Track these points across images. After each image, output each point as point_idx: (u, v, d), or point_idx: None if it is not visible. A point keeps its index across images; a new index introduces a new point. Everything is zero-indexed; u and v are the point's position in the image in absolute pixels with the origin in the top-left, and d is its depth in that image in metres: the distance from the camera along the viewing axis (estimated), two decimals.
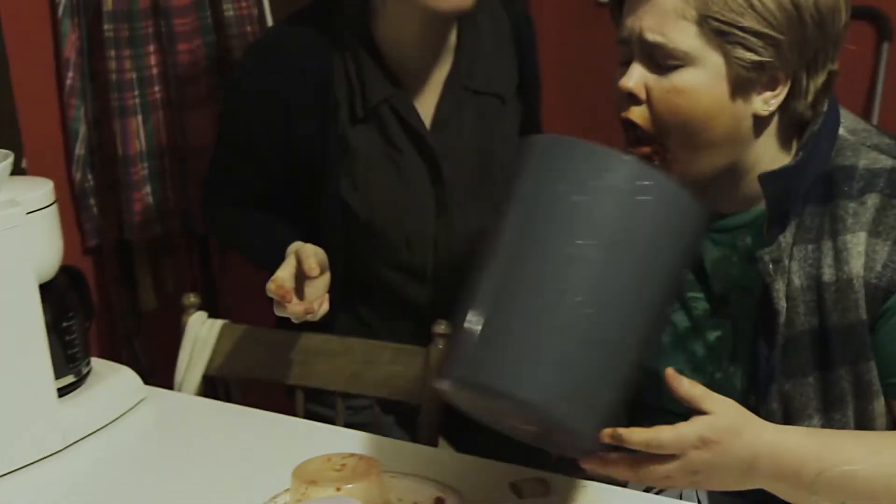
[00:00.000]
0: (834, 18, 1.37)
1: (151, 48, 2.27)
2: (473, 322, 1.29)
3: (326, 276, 1.75)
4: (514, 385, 1.23)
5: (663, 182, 1.27)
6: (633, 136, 1.43)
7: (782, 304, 1.40)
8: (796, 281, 1.41)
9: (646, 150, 1.42)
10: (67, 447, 1.70)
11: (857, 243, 1.38)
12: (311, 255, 1.71)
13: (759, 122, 1.42)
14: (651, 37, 1.37)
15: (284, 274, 1.69)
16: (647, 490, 1.43)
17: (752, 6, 1.33)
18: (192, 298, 2.02)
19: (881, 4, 3.26)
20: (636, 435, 1.24)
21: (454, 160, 1.96)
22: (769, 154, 1.45)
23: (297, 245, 1.76)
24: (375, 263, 2.01)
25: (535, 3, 3.64)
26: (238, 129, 1.97)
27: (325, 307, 1.74)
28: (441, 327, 1.85)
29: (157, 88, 2.29)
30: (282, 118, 1.90)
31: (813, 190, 1.41)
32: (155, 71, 2.28)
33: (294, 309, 1.68)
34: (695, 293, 1.52)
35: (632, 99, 1.40)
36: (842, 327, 1.39)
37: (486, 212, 1.90)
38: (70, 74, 2.23)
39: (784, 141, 1.46)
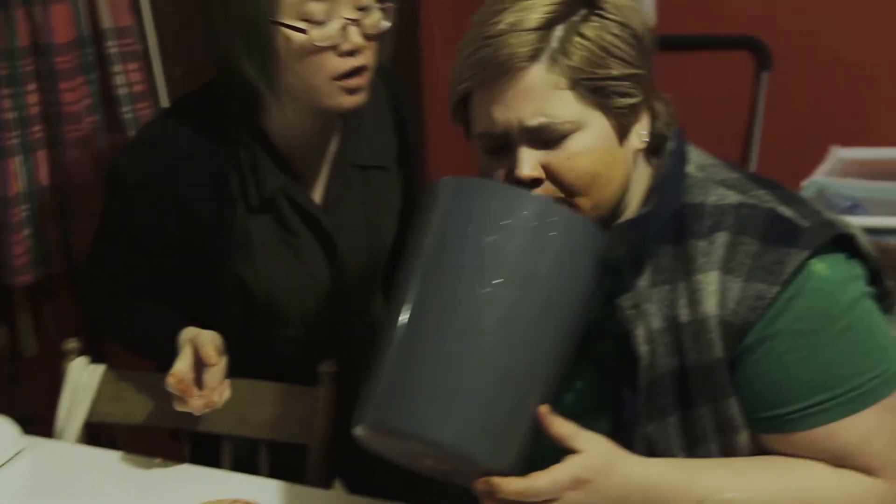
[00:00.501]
0: (652, 34, 1.41)
1: (32, 86, 2.22)
2: (385, 367, 1.30)
3: (224, 362, 1.73)
4: (426, 427, 1.24)
5: (571, 216, 1.31)
6: None
7: (643, 349, 1.39)
8: (655, 323, 1.40)
9: None
10: None
11: (709, 282, 1.38)
12: (209, 342, 1.69)
13: (635, 157, 1.44)
14: (534, 121, 1.34)
15: (183, 367, 1.67)
16: None
17: (611, 54, 1.34)
18: (72, 343, 1.97)
19: (760, 34, 3.32)
20: (512, 485, 1.25)
21: (347, 237, 1.96)
22: (639, 188, 1.47)
23: (191, 333, 1.73)
24: (275, 343, 2.00)
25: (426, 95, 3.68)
26: (126, 222, 1.90)
27: (227, 394, 1.72)
28: (327, 366, 1.84)
29: (37, 128, 2.24)
30: (175, 212, 1.84)
31: (665, 230, 1.41)
32: (35, 110, 2.23)
33: (195, 403, 1.66)
34: None
35: (534, 182, 1.37)
36: (700, 366, 1.38)
37: (378, 285, 2.03)
38: None
39: (643, 173, 1.47)
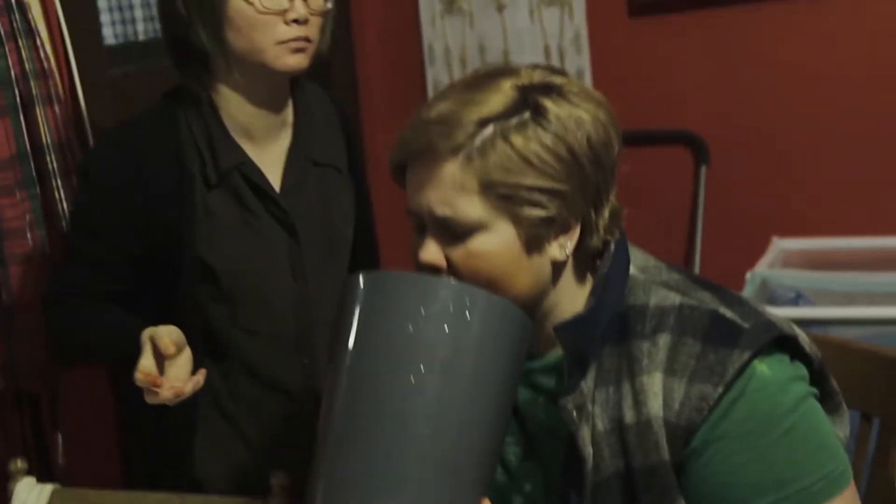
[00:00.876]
0: (608, 151, 1.39)
1: None
2: (324, 465, 1.30)
3: (187, 353, 1.76)
4: None
5: (488, 298, 1.31)
6: None
7: (588, 451, 1.38)
8: (599, 425, 1.39)
9: None
10: None
11: (653, 384, 1.38)
12: (165, 335, 1.71)
13: (557, 266, 1.43)
14: (440, 211, 1.36)
15: (147, 361, 1.70)
16: None
17: (530, 163, 1.33)
18: (18, 464, 1.91)
19: (698, 129, 3.36)
20: None
21: (305, 225, 2.08)
22: (568, 294, 1.46)
23: (150, 331, 1.74)
24: (237, 334, 2.04)
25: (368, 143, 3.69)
26: (95, 219, 2.00)
27: (199, 380, 1.74)
28: (278, 479, 1.81)
29: None
30: (140, 200, 1.96)
31: (609, 331, 1.41)
32: None
33: (165, 394, 1.68)
34: (508, 437, 1.48)
35: (434, 269, 1.39)
36: (645, 469, 1.38)
37: (336, 281, 1.97)
38: None
39: (580, 277, 1.47)
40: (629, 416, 1.38)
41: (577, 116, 1.35)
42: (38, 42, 2.28)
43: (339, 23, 3.01)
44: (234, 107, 2.01)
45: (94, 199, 2.01)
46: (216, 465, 2.10)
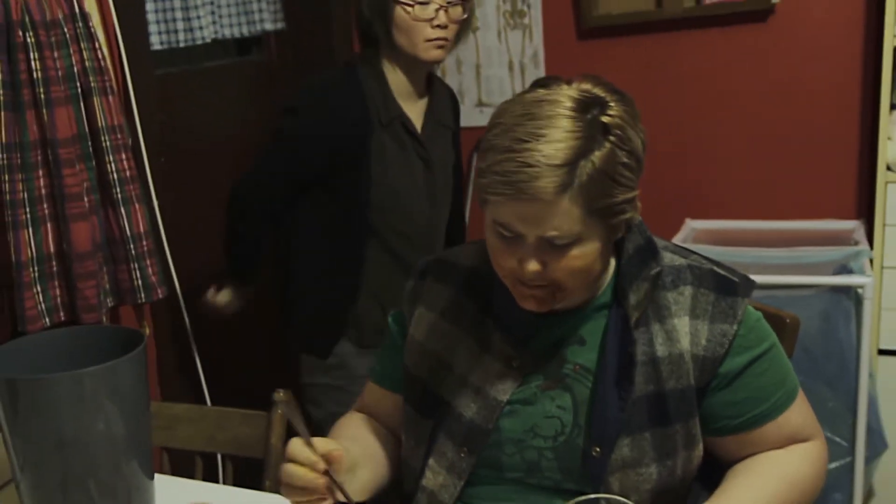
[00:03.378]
0: (644, 148, 1.39)
1: (40, 172, 2.22)
2: None
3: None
4: None
5: None
6: (528, 293, 1.41)
7: (640, 358, 1.42)
8: (638, 357, 1.42)
9: (542, 292, 1.40)
10: None
11: (682, 325, 1.42)
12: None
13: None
14: (549, 234, 1.33)
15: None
16: None
17: (617, 182, 1.32)
18: None
19: None
20: None
21: (435, 163, 2.49)
22: (609, 263, 1.48)
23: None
24: (388, 235, 2.42)
25: None
26: (297, 141, 2.36)
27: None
28: (280, 395, 1.84)
29: (45, 206, 2.23)
30: (334, 132, 2.32)
31: (641, 285, 1.44)
32: (44, 191, 2.23)
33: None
34: (533, 375, 1.49)
35: (533, 274, 1.37)
36: (677, 391, 1.42)
37: (448, 204, 2.61)
38: None
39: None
40: (661, 350, 1.42)
41: (628, 122, 1.34)
42: (97, 45, 2.30)
43: (344, 43, 3.10)
44: (395, 77, 2.38)
45: (301, 128, 2.35)
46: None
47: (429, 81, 2.48)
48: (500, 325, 1.50)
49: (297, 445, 1.34)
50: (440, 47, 2.31)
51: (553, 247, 1.34)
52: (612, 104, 1.34)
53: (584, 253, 1.36)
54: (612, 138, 1.31)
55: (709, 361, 1.42)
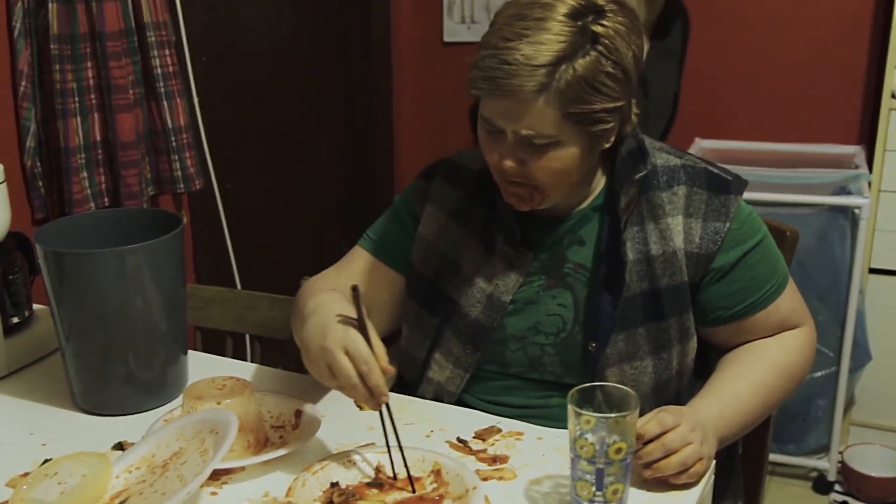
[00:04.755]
0: (643, 55, 1.36)
1: (89, 64, 2.20)
2: None
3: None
4: None
5: None
6: (510, 190, 1.39)
7: (629, 257, 1.41)
8: (630, 255, 1.41)
9: (523, 191, 1.39)
10: (11, 374, 1.66)
11: (676, 224, 1.41)
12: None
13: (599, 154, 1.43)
14: (525, 132, 1.31)
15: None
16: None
17: (597, 90, 1.29)
18: None
19: None
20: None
21: (652, 92, 2.35)
22: (598, 170, 1.46)
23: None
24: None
25: (395, 44, 3.66)
26: None
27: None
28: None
29: (93, 96, 2.22)
30: None
31: (633, 184, 1.42)
32: (92, 82, 2.21)
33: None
34: (536, 276, 1.48)
35: (512, 170, 1.36)
36: (671, 287, 1.42)
37: None
38: (23, 83, 2.15)
39: (600, 159, 1.45)
40: (655, 248, 1.41)
41: (622, 34, 1.30)
42: None
43: None
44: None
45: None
46: None
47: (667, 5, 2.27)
48: (504, 227, 1.49)
49: (361, 346, 1.25)
50: None
51: (531, 146, 1.33)
52: (608, 13, 1.30)
53: (562, 156, 1.34)
54: (599, 47, 1.28)
55: (702, 258, 1.42)
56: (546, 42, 1.26)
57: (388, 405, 1.29)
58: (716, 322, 1.47)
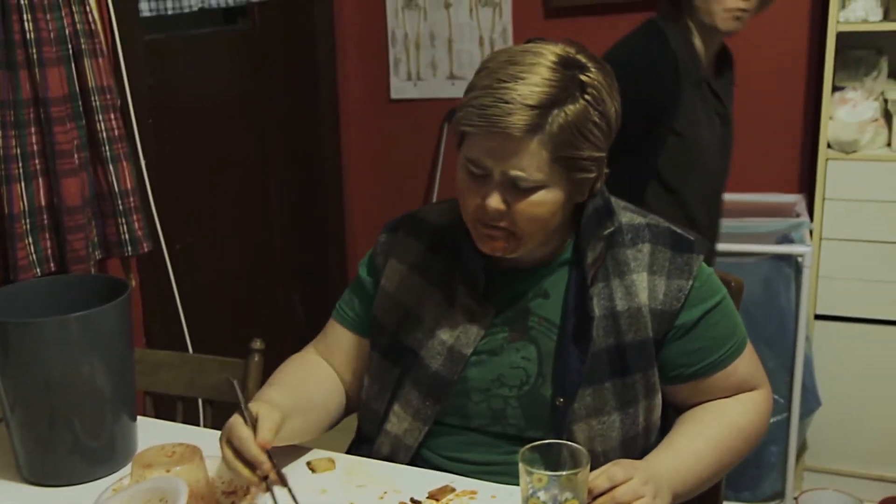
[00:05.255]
0: (619, 116, 1.40)
1: (33, 129, 2.18)
2: None
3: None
4: None
5: None
6: (486, 232, 1.40)
7: (596, 313, 1.42)
8: (597, 311, 1.42)
9: (499, 234, 1.39)
10: None
11: (641, 280, 1.43)
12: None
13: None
14: (514, 173, 1.33)
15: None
16: None
17: (587, 139, 1.33)
18: None
19: None
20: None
21: (728, 119, 2.38)
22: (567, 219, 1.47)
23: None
24: (691, 182, 2.26)
25: (342, 102, 3.68)
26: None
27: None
28: (256, 344, 1.84)
29: (37, 161, 2.20)
30: (647, 94, 2.14)
31: (599, 239, 1.44)
32: (36, 147, 2.19)
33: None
34: (499, 328, 1.49)
35: (495, 212, 1.36)
36: (636, 343, 1.43)
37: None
38: None
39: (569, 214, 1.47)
40: (621, 304, 1.42)
41: (605, 88, 1.35)
42: (88, 8, 2.26)
43: (326, 15, 3.03)
44: (696, 39, 2.24)
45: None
46: None
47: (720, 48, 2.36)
48: (467, 280, 1.49)
49: (235, 429, 1.33)
50: (737, 18, 2.17)
51: (517, 189, 1.34)
52: (592, 69, 1.35)
53: (545, 200, 1.36)
54: (587, 96, 1.33)
55: (666, 314, 1.43)
56: (540, 85, 1.30)
57: (287, 485, 1.32)
58: (676, 380, 1.48)
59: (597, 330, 1.41)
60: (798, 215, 2.96)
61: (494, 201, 1.35)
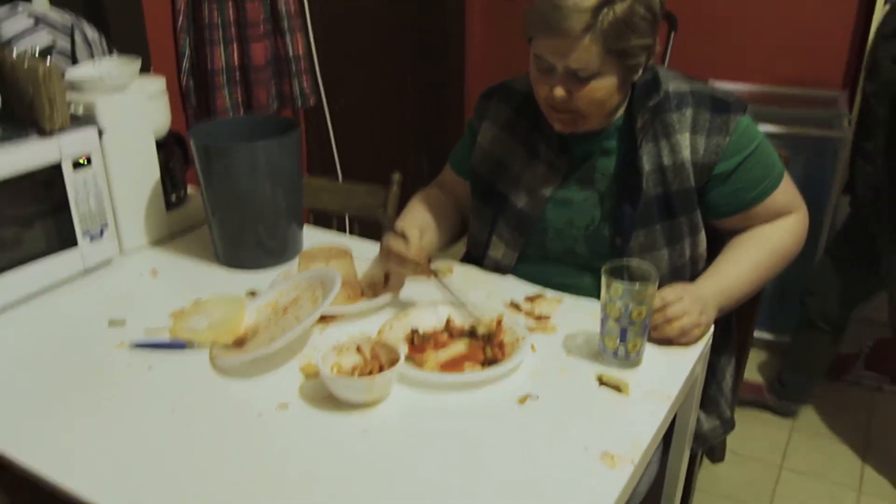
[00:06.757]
0: (663, 8, 1.31)
1: (230, 4, 2.18)
2: None
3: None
4: None
5: None
6: (556, 116, 1.36)
7: (645, 168, 1.38)
8: (646, 166, 1.38)
9: (567, 116, 1.35)
10: (172, 239, 1.69)
11: (684, 140, 1.37)
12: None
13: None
14: (574, 66, 1.27)
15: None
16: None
17: (634, 31, 1.26)
18: None
19: (671, 8, 3.19)
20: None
21: None
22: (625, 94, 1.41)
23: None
24: None
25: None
26: None
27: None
28: (396, 176, 1.84)
29: (232, 29, 2.21)
30: None
31: (649, 106, 1.39)
32: (232, 18, 2.20)
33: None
34: (572, 180, 1.45)
35: (560, 99, 1.32)
36: (681, 192, 1.38)
37: None
38: (180, 19, 2.14)
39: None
40: (667, 160, 1.37)
41: None
42: None
43: None
44: None
45: None
46: None
47: None
48: (546, 138, 1.46)
49: (393, 245, 1.36)
50: None
51: (577, 78, 1.29)
52: None
53: (602, 86, 1.30)
54: None
55: (705, 167, 1.37)
56: None
57: (438, 278, 1.36)
58: (720, 215, 1.43)
59: (647, 182, 1.37)
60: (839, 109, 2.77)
61: (559, 91, 1.31)
